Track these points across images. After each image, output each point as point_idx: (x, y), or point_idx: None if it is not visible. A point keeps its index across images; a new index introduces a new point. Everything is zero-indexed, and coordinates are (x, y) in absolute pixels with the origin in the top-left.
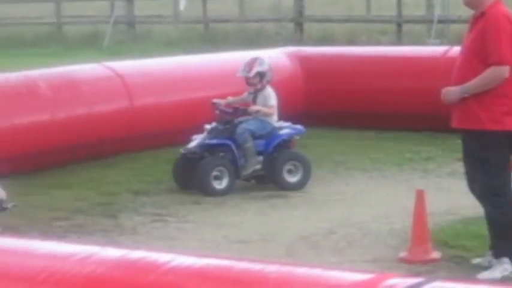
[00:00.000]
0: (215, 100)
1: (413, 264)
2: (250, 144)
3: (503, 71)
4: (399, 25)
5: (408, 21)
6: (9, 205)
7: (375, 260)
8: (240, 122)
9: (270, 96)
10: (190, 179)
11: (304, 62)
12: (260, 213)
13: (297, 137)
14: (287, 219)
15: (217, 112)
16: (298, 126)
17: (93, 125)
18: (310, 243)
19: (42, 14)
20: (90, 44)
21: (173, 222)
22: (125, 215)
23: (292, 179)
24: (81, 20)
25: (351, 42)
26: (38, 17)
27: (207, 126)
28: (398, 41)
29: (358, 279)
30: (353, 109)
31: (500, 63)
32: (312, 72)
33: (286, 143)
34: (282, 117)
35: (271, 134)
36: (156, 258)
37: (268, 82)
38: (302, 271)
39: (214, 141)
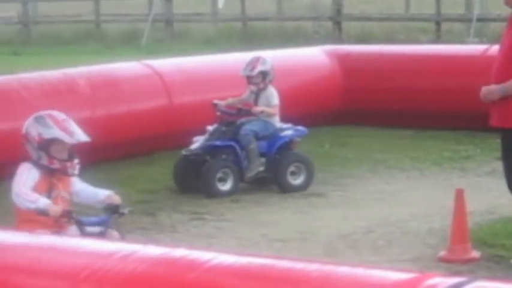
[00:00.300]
0: (216, 101)
1: (453, 263)
2: (254, 145)
3: None
4: (438, 24)
5: (447, 20)
6: (126, 210)
7: (414, 259)
8: (242, 123)
9: (273, 95)
10: (191, 180)
11: (343, 60)
12: (299, 212)
13: (298, 139)
14: (326, 218)
15: (218, 113)
16: (300, 128)
17: (132, 123)
18: (349, 242)
19: (80, 12)
20: (129, 42)
21: (211, 220)
22: (164, 213)
23: (296, 181)
24: (120, 18)
25: (390, 40)
26: (77, 15)
27: (209, 128)
28: (437, 39)
29: (400, 278)
30: (392, 108)
31: None
32: (351, 71)
33: (288, 144)
34: (320, 115)
35: (273, 135)
36: (197, 256)
37: (271, 81)
38: (344, 270)
39: (218, 142)
